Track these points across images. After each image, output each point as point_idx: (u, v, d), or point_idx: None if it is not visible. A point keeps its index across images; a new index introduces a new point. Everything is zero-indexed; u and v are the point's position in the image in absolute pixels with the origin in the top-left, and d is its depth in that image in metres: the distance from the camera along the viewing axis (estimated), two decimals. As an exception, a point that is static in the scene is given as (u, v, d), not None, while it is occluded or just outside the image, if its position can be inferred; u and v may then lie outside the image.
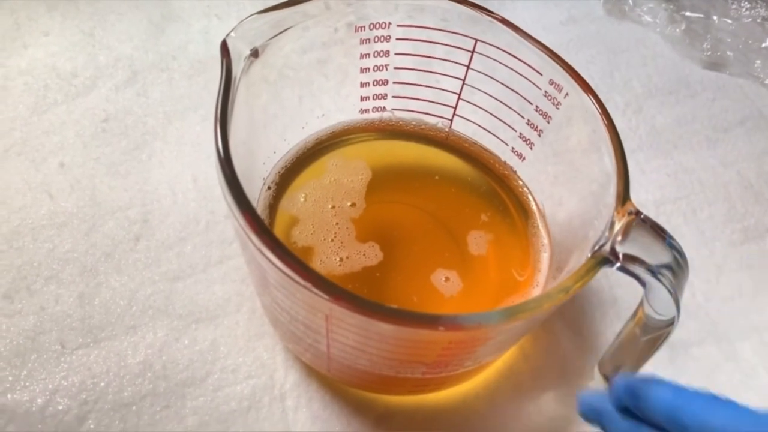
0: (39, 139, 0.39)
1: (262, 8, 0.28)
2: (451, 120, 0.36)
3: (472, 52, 0.33)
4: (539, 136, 0.33)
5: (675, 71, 0.50)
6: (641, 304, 0.27)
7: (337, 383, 0.32)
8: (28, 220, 0.36)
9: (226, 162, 0.24)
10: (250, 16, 0.28)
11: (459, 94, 0.35)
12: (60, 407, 0.30)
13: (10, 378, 0.31)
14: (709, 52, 0.51)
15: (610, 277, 0.37)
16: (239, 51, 0.27)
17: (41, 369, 0.31)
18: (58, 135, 0.40)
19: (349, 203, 0.33)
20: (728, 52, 0.51)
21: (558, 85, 0.30)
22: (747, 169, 0.44)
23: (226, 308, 0.34)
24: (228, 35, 0.27)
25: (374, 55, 0.34)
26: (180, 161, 0.40)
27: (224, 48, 0.27)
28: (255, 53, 0.28)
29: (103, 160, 0.39)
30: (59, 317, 0.33)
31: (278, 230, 0.32)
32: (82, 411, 0.30)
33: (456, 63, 0.34)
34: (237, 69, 0.27)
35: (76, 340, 0.32)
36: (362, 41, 0.33)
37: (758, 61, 0.51)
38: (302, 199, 0.33)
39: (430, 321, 0.22)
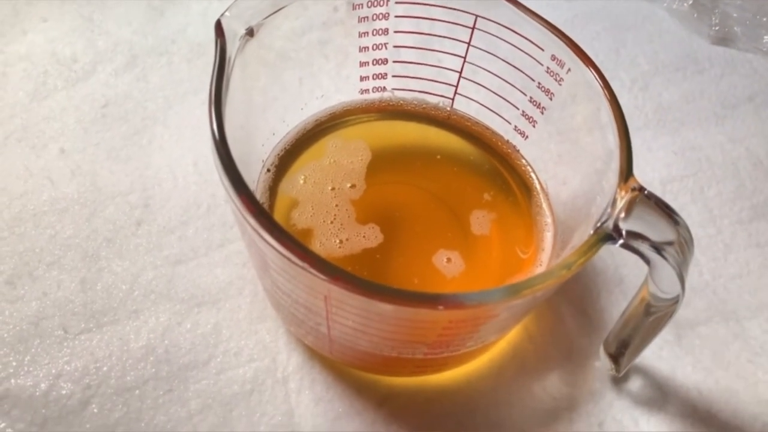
0: (39, 126, 0.39)
1: (259, -13, 0.28)
2: (453, 99, 0.36)
3: (473, 28, 0.32)
4: (542, 114, 0.32)
5: (682, 47, 0.49)
6: (645, 281, 0.27)
7: (339, 365, 0.32)
8: (30, 206, 0.36)
9: (221, 144, 0.23)
10: (246, -6, 0.27)
11: (460, 73, 0.34)
12: (63, 392, 0.30)
13: (14, 363, 0.31)
14: (717, 27, 0.50)
15: (615, 256, 0.37)
16: (234, 31, 0.27)
17: (44, 354, 0.31)
18: (58, 121, 0.40)
19: (348, 185, 0.33)
20: (735, 28, 0.50)
21: (560, 60, 0.29)
22: (756, 145, 0.44)
23: (228, 291, 0.34)
24: (222, 15, 0.27)
25: (373, 34, 0.33)
26: (180, 145, 0.39)
27: (218, 28, 0.26)
28: (250, 32, 0.28)
29: (104, 145, 0.39)
30: (61, 302, 0.33)
31: (278, 213, 0.31)
32: (85, 395, 0.30)
33: (457, 40, 0.33)
34: (232, 49, 0.26)
35: (79, 325, 0.32)
36: (360, 19, 0.33)
37: (767, 37, 0.50)
38: (302, 181, 0.32)
39: (430, 300, 0.21)
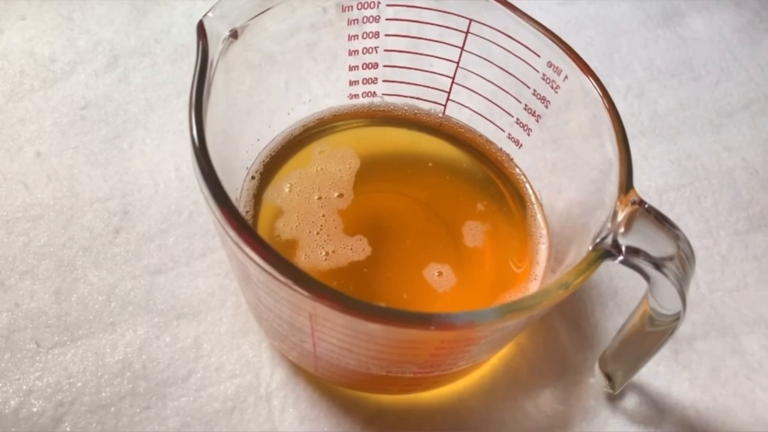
0: (14, 128, 0.38)
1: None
2: (445, 105, 0.35)
3: (466, 33, 0.31)
4: (537, 121, 0.31)
5: (678, 54, 0.49)
6: (645, 297, 0.26)
7: (325, 382, 0.31)
8: (2, 212, 0.34)
9: (201, 152, 0.22)
10: (231, -6, 0.26)
11: (453, 78, 0.33)
12: (34, 409, 0.29)
13: (-18, 379, 0.29)
14: (713, 34, 0.49)
15: (610, 268, 0.36)
16: (218, 32, 0.26)
17: (15, 369, 0.30)
18: (34, 123, 0.38)
19: (336, 194, 0.31)
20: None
21: (557, 67, 0.28)
22: (752, 155, 0.43)
23: (210, 303, 0.33)
24: (205, 15, 0.25)
25: (363, 37, 0.32)
26: (162, 150, 0.38)
27: (200, 29, 0.25)
28: (234, 34, 0.26)
29: (82, 149, 0.37)
30: (34, 314, 0.31)
31: (262, 222, 0.30)
32: (58, 413, 0.29)
33: (449, 45, 0.32)
34: (214, 52, 0.25)
35: (52, 339, 0.31)
36: (350, 22, 0.32)
37: (763, 43, 0.49)
38: (287, 190, 0.31)
39: (421, 320, 0.20)
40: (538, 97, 0.30)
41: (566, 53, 0.27)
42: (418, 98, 0.35)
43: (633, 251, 0.23)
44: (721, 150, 0.43)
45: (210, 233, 0.35)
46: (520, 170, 0.34)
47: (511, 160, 0.34)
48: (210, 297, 0.33)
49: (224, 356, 0.31)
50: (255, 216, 0.30)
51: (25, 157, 0.37)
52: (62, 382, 0.30)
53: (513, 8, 0.29)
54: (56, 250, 0.33)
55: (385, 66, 0.34)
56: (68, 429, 0.29)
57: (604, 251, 0.23)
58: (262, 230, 0.30)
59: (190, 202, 0.36)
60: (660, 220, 0.23)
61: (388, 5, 0.31)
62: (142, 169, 0.37)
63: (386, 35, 0.32)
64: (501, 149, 0.34)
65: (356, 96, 0.35)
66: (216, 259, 0.34)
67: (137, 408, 0.29)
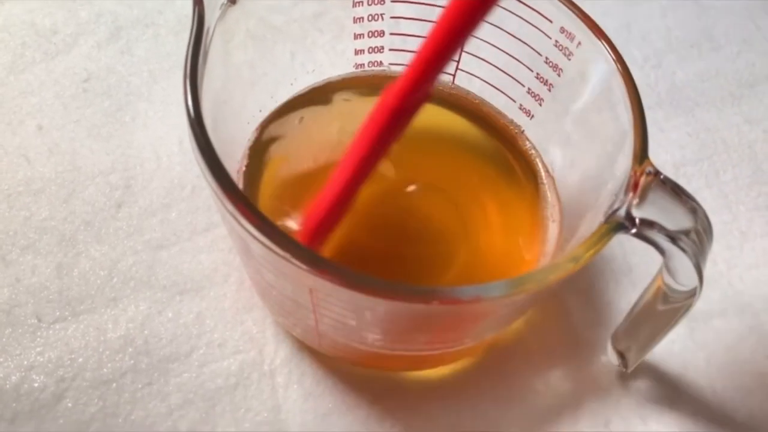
0: (15, 101, 0.37)
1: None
2: (454, 75, 0.34)
3: (476, -2, 0.30)
4: (549, 90, 0.30)
5: (697, 23, 0.47)
6: (660, 273, 0.25)
7: (330, 358, 0.30)
8: (4, 186, 0.34)
9: (196, 121, 0.21)
10: (230, -42, 0.25)
11: (462, 47, 0.32)
12: (36, 384, 0.29)
13: (-16, 354, 0.29)
14: (735, 2, 0.48)
15: (624, 244, 0.35)
16: (216, -2, 0.25)
17: (16, 344, 0.29)
18: (36, 96, 0.38)
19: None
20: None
21: (570, 33, 0.27)
22: (774, 127, 0.41)
23: (213, 279, 0.32)
24: (203, -20, 0.24)
25: (369, 3, 0.31)
26: (165, 123, 0.37)
27: (197, -6, 0.24)
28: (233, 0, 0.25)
29: (84, 122, 0.37)
30: (36, 289, 0.31)
31: (263, 196, 0.29)
32: (59, 388, 0.29)
33: (458, 11, 0.31)
34: (211, 18, 0.24)
35: (54, 314, 0.30)
36: (355, -14, 0.31)
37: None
38: (290, 162, 0.30)
39: (424, 294, 0.19)
40: (551, 65, 0.29)
41: (579, 18, 0.26)
42: (426, 68, 0.34)
43: (647, 224, 0.22)
44: (741, 122, 0.42)
45: (213, 208, 0.34)
46: (531, 143, 0.32)
47: (523, 132, 0.33)
48: (213, 272, 0.32)
49: (227, 332, 0.31)
50: (256, 190, 0.29)
51: (27, 131, 0.36)
52: (63, 357, 0.29)
53: (523, -28, 0.28)
54: (58, 224, 0.33)
55: (392, 34, 0.33)
56: (69, 405, 0.28)
57: (617, 224, 0.22)
58: (264, 205, 0.29)
59: (194, 176, 0.35)
60: (676, 191, 0.22)
61: (394, -30, 0.30)
62: (144, 143, 0.36)
63: (393, 1, 0.31)
64: (512, 121, 0.33)
65: (362, 65, 0.34)
66: (219, 234, 0.33)
67: (139, 384, 0.29)
